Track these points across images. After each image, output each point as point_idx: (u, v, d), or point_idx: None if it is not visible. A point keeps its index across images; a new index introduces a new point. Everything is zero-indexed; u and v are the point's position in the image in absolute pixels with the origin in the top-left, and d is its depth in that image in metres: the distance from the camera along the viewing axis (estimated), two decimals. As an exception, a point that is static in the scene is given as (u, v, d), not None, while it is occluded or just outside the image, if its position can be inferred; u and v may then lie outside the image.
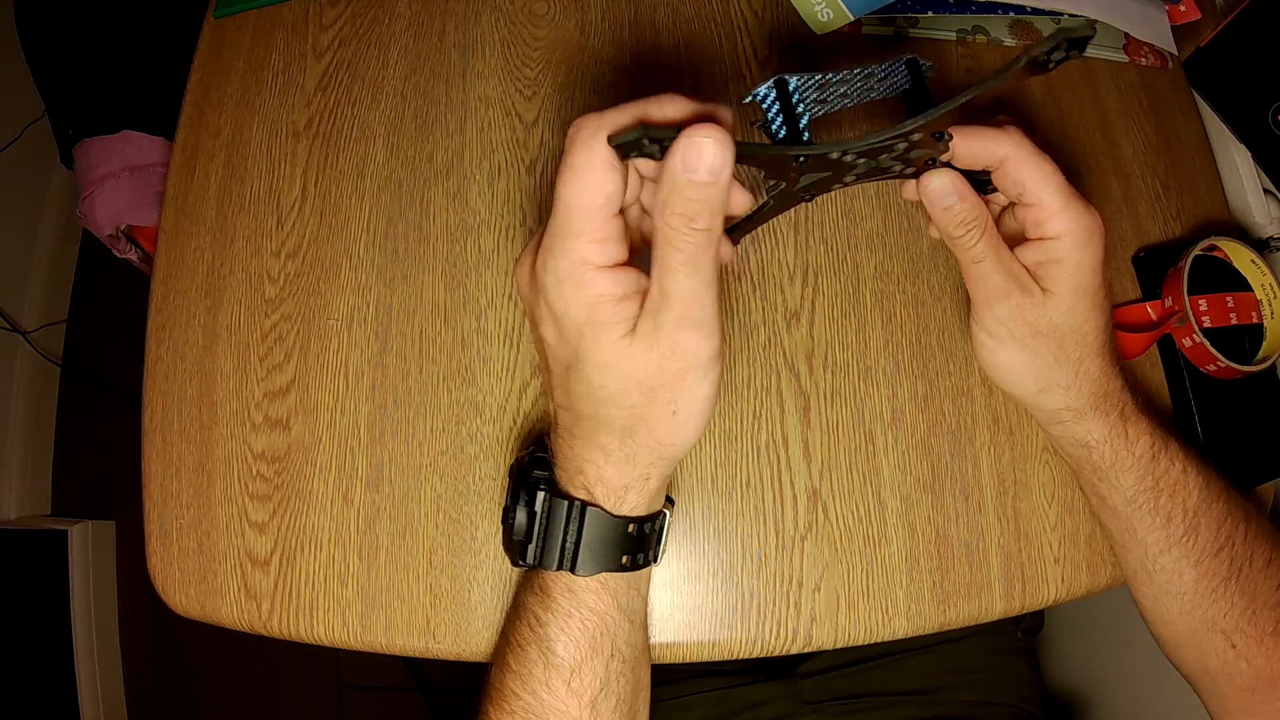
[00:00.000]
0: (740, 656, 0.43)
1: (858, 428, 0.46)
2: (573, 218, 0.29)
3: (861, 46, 0.53)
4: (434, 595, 0.43)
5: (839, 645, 0.43)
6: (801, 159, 0.31)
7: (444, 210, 0.49)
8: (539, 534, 0.35)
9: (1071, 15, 0.54)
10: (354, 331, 0.47)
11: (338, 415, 0.45)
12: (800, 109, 0.33)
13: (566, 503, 0.34)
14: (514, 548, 0.36)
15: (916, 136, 0.32)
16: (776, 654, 0.43)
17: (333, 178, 0.49)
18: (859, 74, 0.35)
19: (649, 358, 0.30)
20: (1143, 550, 0.41)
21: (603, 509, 0.34)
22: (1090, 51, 0.55)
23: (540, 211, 0.49)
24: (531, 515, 0.35)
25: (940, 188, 0.35)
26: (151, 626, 1.22)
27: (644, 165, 0.32)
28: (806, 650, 0.43)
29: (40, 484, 1.27)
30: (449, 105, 0.51)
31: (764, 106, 0.33)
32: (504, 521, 0.37)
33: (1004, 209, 0.39)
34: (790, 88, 0.33)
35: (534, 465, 0.36)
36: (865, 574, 0.44)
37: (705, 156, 0.27)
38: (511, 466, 0.38)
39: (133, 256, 0.94)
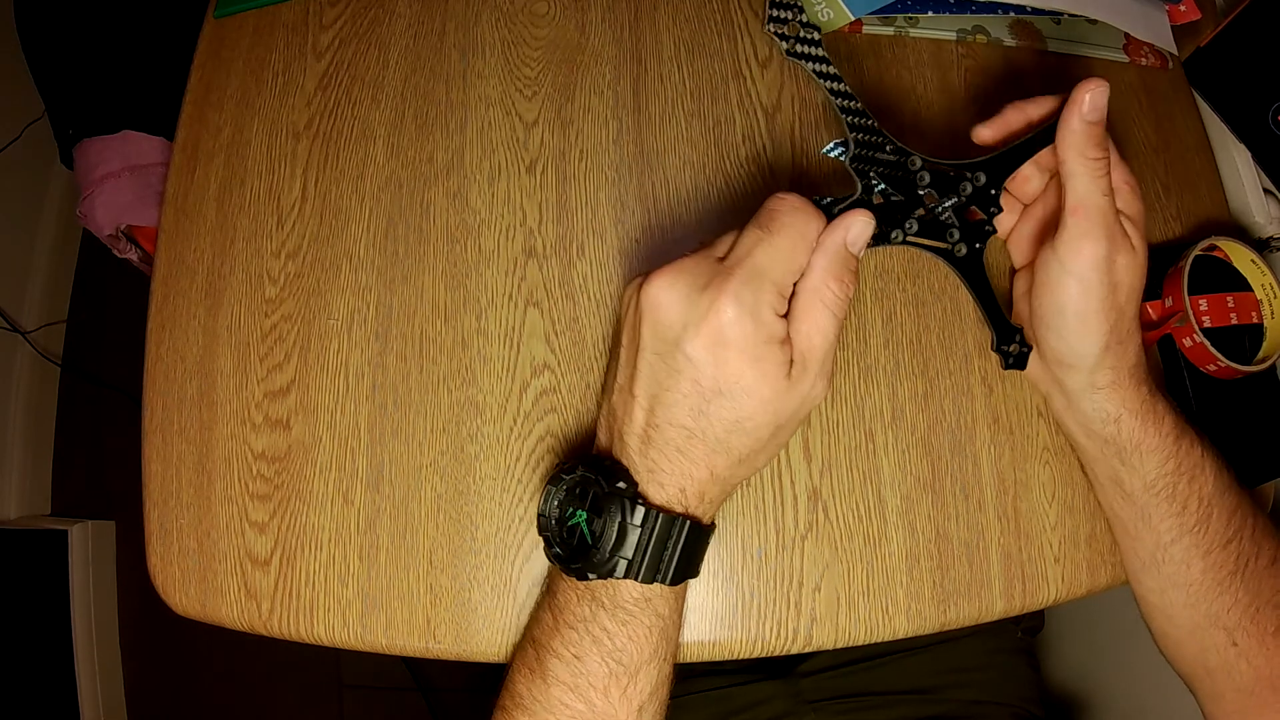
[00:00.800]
0: (740, 656, 0.43)
1: (858, 426, 0.46)
2: (781, 270, 0.33)
3: (862, 47, 0.53)
4: (434, 595, 0.43)
5: (839, 645, 0.43)
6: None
7: (444, 210, 0.49)
8: (639, 548, 0.34)
9: (1072, 15, 0.54)
10: (354, 332, 0.47)
11: (338, 415, 0.45)
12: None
13: (672, 517, 0.34)
14: (596, 563, 0.34)
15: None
16: (777, 654, 0.43)
17: (333, 178, 0.49)
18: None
19: (794, 398, 0.34)
20: (1154, 538, 0.41)
21: (697, 519, 0.35)
22: (1090, 51, 0.55)
23: (540, 211, 0.49)
24: (631, 529, 0.33)
25: (1097, 96, 0.38)
26: (151, 626, 1.22)
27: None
28: (807, 650, 0.43)
29: (40, 484, 1.27)
30: (449, 105, 0.51)
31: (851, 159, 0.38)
32: (545, 532, 0.36)
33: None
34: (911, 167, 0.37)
35: (603, 474, 0.34)
36: (865, 573, 0.44)
37: (864, 233, 0.35)
38: (569, 475, 0.36)
39: (133, 256, 0.94)
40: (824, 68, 0.37)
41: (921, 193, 0.37)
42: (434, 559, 0.43)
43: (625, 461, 0.35)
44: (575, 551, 0.34)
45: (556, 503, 0.36)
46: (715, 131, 0.50)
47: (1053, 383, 0.43)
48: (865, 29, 0.53)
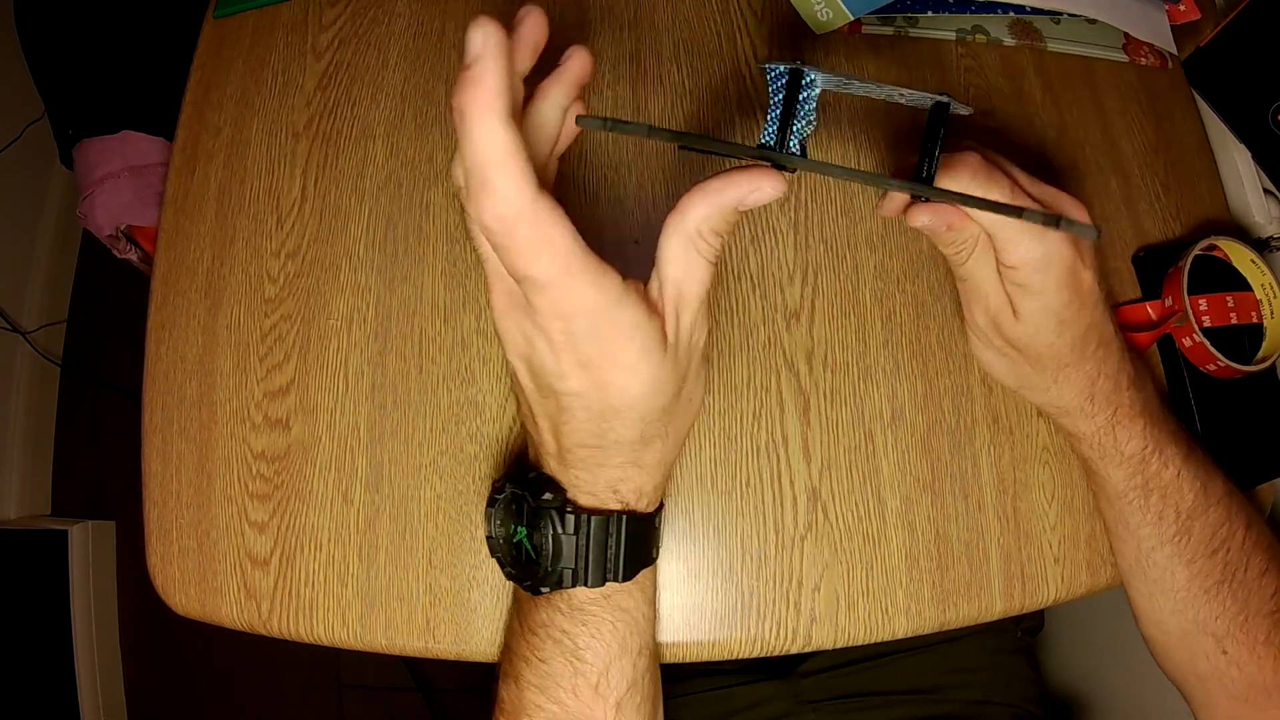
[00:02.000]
0: (740, 656, 0.43)
1: (857, 427, 0.46)
2: (562, 286, 0.27)
3: (862, 46, 0.53)
4: (434, 595, 0.43)
5: (839, 645, 0.43)
6: (781, 167, 0.30)
7: (444, 210, 0.49)
8: (579, 555, 0.33)
9: (1071, 15, 0.54)
10: (354, 331, 0.47)
11: (337, 415, 0.45)
12: (806, 110, 0.31)
13: (605, 518, 0.33)
14: (542, 576, 0.33)
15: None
16: (776, 654, 0.43)
17: (332, 178, 0.49)
18: (884, 91, 0.34)
19: (680, 362, 0.31)
20: (1136, 543, 0.41)
21: (636, 512, 0.34)
22: (1090, 51, 0.55)
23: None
24: (565, 539, 0.33)
25: (928, 225, 0.35)
26: (151, 626, 1.22)
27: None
28: (806, 650, 0.43)
29: (40, 484, 1.27)
30: (448, 105, 0.51)
31: (771, 87, 0.32)
32: (495, 553, 0.36)
33: None
34: (804, 80, 0.31)
35: (537, 490, 0.34)
36: (865, 573, 0.44)
37: (764, 201, 0.28)
38: (501, 495, 0.35)
39: (133, 256, 0.94)
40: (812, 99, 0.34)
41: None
42: (433, 559, 0.43)
43: (549, 473, 0.34)
44: (524, 568, 0.34)
45: (499, 522, 0.35)
46: (715, 132, 0.50)
47: None
48: (865, 29, 0.53)
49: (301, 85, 0.51)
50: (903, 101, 0.35)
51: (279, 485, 0.45)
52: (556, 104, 0.33)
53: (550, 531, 0.33)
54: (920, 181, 0.33)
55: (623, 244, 0.48)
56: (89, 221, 0.89)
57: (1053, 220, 0.29)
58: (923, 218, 0.35)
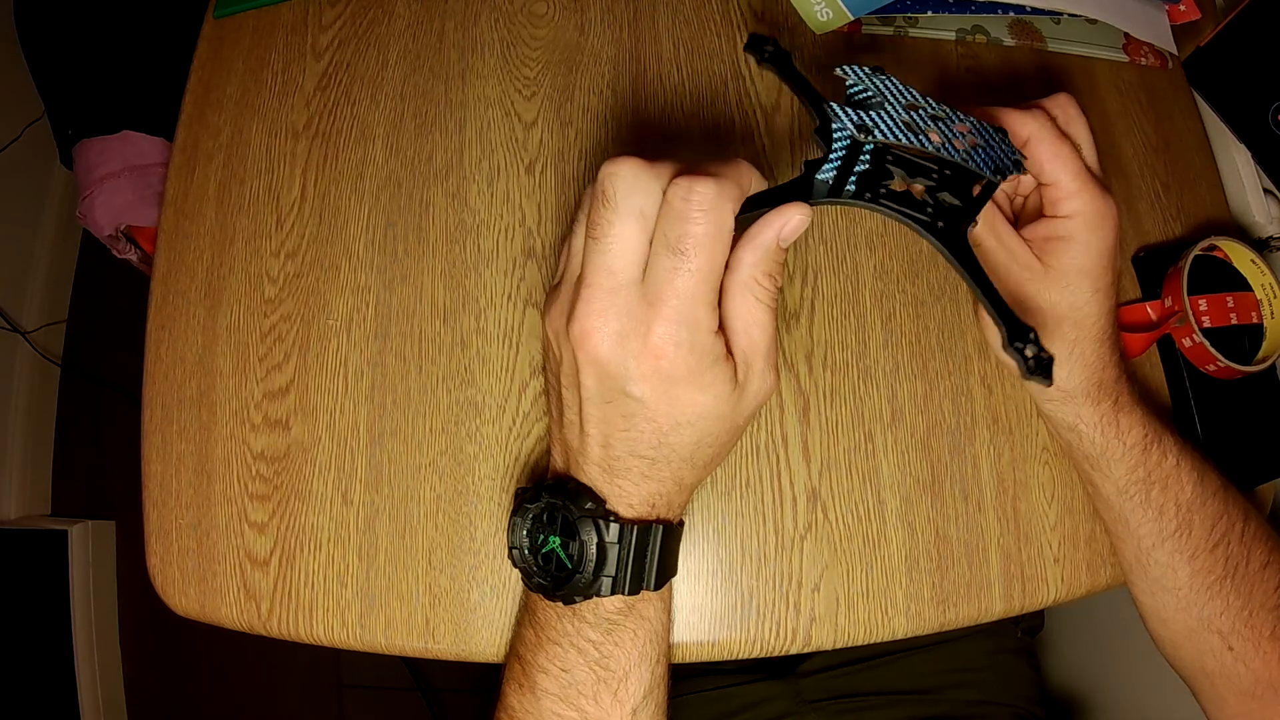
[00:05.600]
0: (740, 656, 0.43)
1: (857, 427, 0.46)
2: (710, 289, 0.30)
3: (862, 47, 0.53)
4: (433, 595, 0.43)
5: (839, 645, 0.43)
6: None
7: (443, 211, 0.49)
8: (621, 564, 0.33)
9: (1071, 15, 0.54)
10: (353, 332, 0.47)
11: (337, 415, 0.45)
12: (865, 157, 0.33)
13: (647, 527, 0.33)
14: (576, 586, 0.33)
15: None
16: (776, 654, 0.43)
17: (332, 178, 0.49)
18: (956, 157, 0.34)
19: (746, 401, 0.33)
20: (1136, 542, 0.41)
21: (670, 522, 0.35)
22: (1090, 51, 0.55)
23: (540, 212, 0.49)
24: (610, 548, 0.33)
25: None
26: (151, 626, 1.22)
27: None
28: (806, 650, 0.43)
29: (40, 484, 1.27)
30: (448, 105, 0.51)
31: (837, 111, 0.33)
32: (521, 564, 0.35)
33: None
34: (874, 135, 0.33)
35: (570, 498, 0.34)
36: (865, 574, 0.44)
37: (798, 230, 0.31)
38: (533, 505, 0.35)
39: (133, 256, 0.94)
40: (793, 79, 0.36)
41: (890, 169, 0.34)
42: (433, 559, 0.43)
43: (587, 483, 0.34)
44: (556, 578, 0.34)
45: (525, 532, 0.35)
46: (714, 132, 0.50)
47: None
48: (865, 29, 0.53)
49: (301, 85, 0.51)
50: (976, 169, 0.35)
51: (279, 485, 0.45)
52: None
53: (595, 540, 0.33)
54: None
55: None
56: (89, 221, 0.89)
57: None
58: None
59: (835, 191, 0.32)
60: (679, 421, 0.32)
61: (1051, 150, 0.37)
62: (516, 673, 0.36)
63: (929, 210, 0.33)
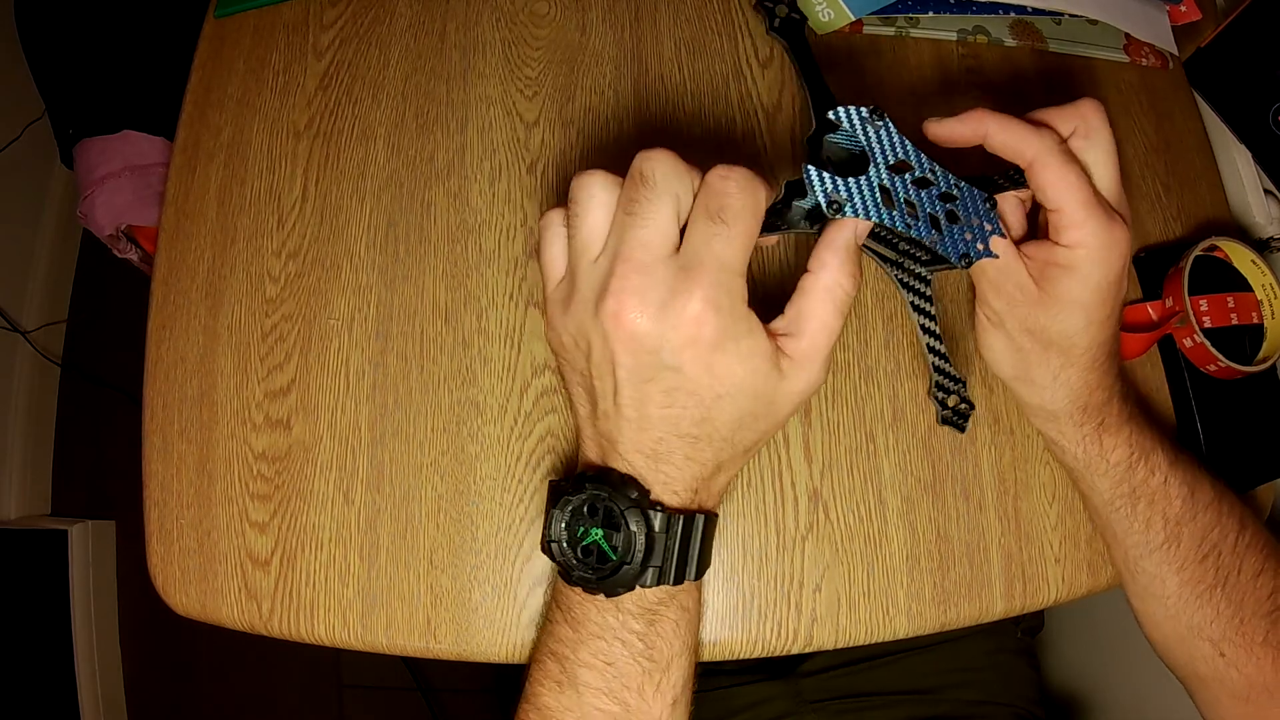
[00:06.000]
0: (741, 656, 0.43)
1: (858, 427, 0.46)
2: (745, 259, 0.31)
3: (863, 47, 0.53)
4: (435, 595, 0.43)
5: (840, 645, 0.43)
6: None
7: (445, 210, 0.49)
8: (668, 554, 0.33)
9: (1072, 15, 0.54)
10: (355, 331, 0.47)
11: (338, 415, 0.45)
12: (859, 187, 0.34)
13: (694, 517, 0.33)
14: (621, 577, 0.33)
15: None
16: (777, 654, 0.43)
17: (333, 178, 0.49)
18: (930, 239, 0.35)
19: (786, 390, 0.33)
20: (1124, 551, 0.41)
21: (711, 513, 0.35)
22: (1090, 51, 0.55)
23: (541, 212, 0.48)
24: (657, 537, 0.33)
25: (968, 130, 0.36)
26: (151, 626, 1.22)
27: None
28: (807, 650, 0.43)
29: (40, 484, 1.27)
30: (450, 105, 0.51)
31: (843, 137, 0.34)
32: (559, 557, 0.34)
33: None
34: (839, 216, 0.33)
35: (615, 488, 0.33)
36: (866, 574, 0.44)
37: (869, 226, 0.33)
38: (576, 496, 0.34)
39: (133, 256, 0.94)
40: (802, 53, 0.36)
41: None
42: (434, 559, 0.43)
43: (629, 471, 0.34)
44: (599, 570, 0.33)
45: (564, 525, 0.34)
46: (716, 132, 0.50)
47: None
48: (866, 29, 0.53)
49: (302, 85, 0.51)
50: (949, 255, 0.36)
51: (280, 485, 0.45)
52: None
53: (643, 529, 0.32)
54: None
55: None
56: (89, 221, 0.89)
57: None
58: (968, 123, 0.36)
59: (814, 219, 0.34)
60: (719, 393, 0.32)
61: (1057, 176, 0.35)
62: (553, 671, 0.35)
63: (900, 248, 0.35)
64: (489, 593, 0.43)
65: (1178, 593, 0.40)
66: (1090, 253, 0.35)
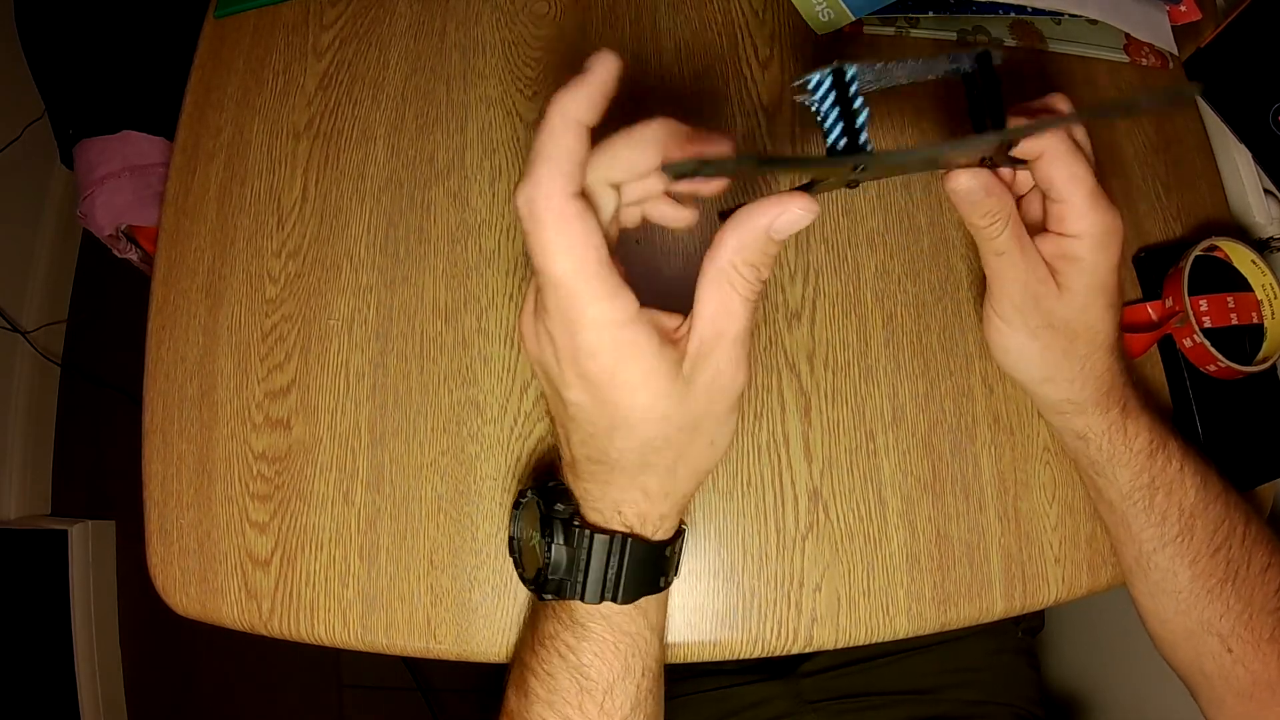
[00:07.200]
0: (741, 656, 0.43)
1: (858, 427, 0.46)
2: (573, 289, 0.27)
3: (862, 47, 0.53)
4: (435, 595, 0.43)
5: (840, 645, 0.43)
6: (861, 168, 0.29)
7: (445, 210, 0.49)
8: (578, 568, 0.33)
9: (1072, 16, 0.54)
10: (355, 331, 0.47)
11: (338, 415, 0.45)
12: (858, 104, 0.30)
13: (608, 537, 0.33)
14: (543, 583, 0.34)
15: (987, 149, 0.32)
16: (777, 654, 0.43)
17: (333, 178, 0.49)
18: (920, 63, 0.33)
19: (699, 400, 0.30)
20: (1137, 546, 0.41)
21: (643, 538, 0.34)
22: (1090, 51, 0.55)
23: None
24: (570, 552, 0.33)
25: (969, 189, 0.35)
26: (151, 626, 1.22)
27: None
28: (807, 650, 0.43)
29: (40, 484, 1.27)
30: (450, 105, 0.51)
31: (815, 96, 0.30)
32: (513, 554, 0.37)
33: (1030, 191, 0.39)
34: (848, 77, 0.29)
35: (552, 498, 0.35)
36: (866, 574, 0.44)
37: (795, 224, 0.28)
38: (524, 499, 0.36)
39: (133, 256, 0.94)
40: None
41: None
42: (434, 559, 0.43)
43: (568, 485, 0.35)
44: (537, 573, 0.35)
45: (519, 525, 0.36)
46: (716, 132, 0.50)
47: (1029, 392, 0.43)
48: (866, 29, 0.53)
49: (302, 85, 0.51)
50: (946, 69, 0.34)
51: (280, 485, 0.44)
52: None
53: (560, 542, 0.33)
54: (994, 131, 0.33)
55: (624, 244, 0.48)
56: (89, 221, 0.89)
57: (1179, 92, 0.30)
58: (962, 180, 0.34)
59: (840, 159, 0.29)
60: (615, 424, 0.30)
61: (1066, 169, 0.35)
62: (515, 674, 0.37)
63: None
64: (489, 593, 0.43)
65: (1189, 587, 0.40)
66: (1096, 239, 0.36)
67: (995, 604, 0.44)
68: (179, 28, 0.70)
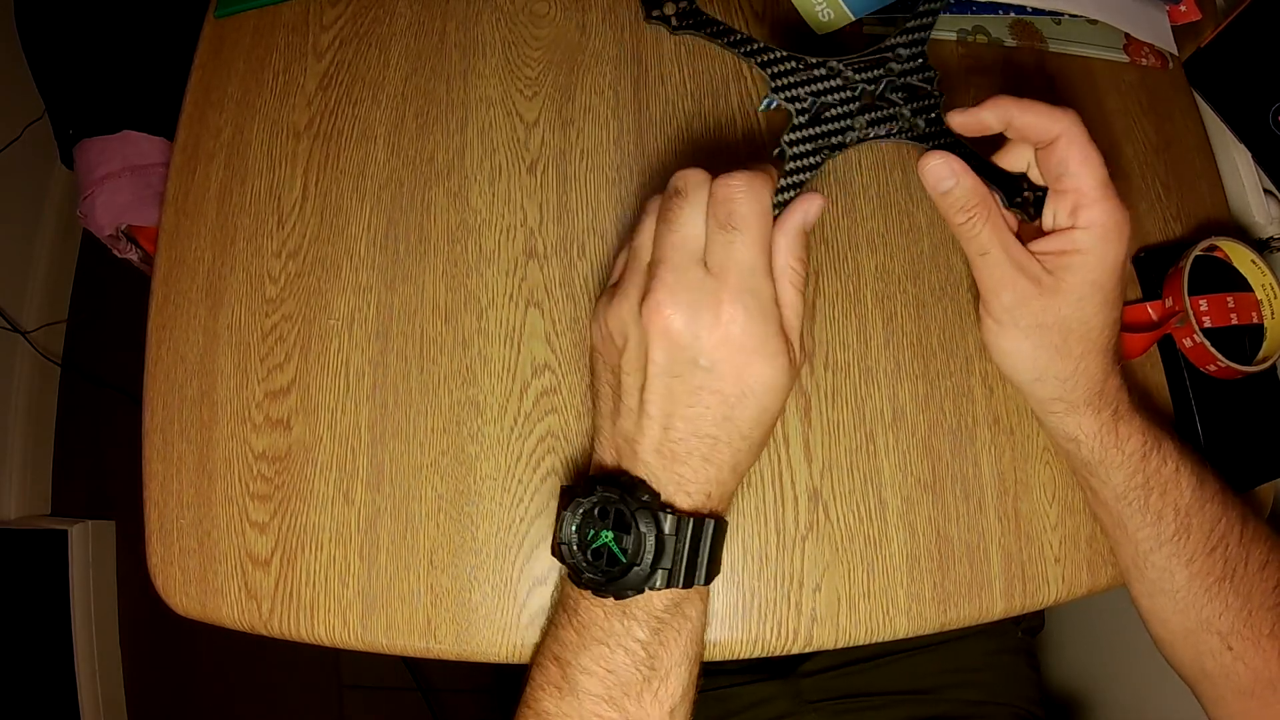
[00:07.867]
0: (741, 656, 0.43)
1: (858, 428, 0.46)
2: (765, 258, 0.34)
3: (862, 47, 0.53)
4: (435, 595, 0.43)
5: (840, 645, 0.43)
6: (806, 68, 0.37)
7: (445, 210, 0.49)
8: (678, 557, 0.33)
9: (1072, 16, 0.54)
10: (355, 331, 0.47)
11: (338, 415, 0.45)
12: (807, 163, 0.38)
13: (705, 520, 0.34)
14: (629, 581, 0.33)
15: (904, 53, 0.39)
16: (777, 654, 0.43)
17: (333, 178, 0.49)
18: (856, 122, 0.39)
19: (793, 376, 0.35)
20: (1134, 546, 0.41)
21: (721, 518, 0.35)
22: (1090, 51, 0.55)
23: (541, 212, 0.49)
24: (667, 540, 0.33)
25: (937, 169, 0.37)
26: (151, 626, 1.22)
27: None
28: (807, 650, 0.43)
29: (40, 484, 1.27)
30: (450, 105, 0.51)
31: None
32: (569, 559, 0.35)
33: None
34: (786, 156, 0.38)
35: (627, 491, 0.34)
36: (866, 574, 0.44)
37: (818, 212, 0.37)
38: (593, 503, 0.34)
39: (133, 256, 0.94)
40: (713, 29, 0.38)
41: (857, 89, 0.39)
42: (434, 559, 0.43)
43: (642, 475, 0.35)
44: (608, 573, 0.34)
45: (574, 528, 0.35)
46: (716, 132, 0.50)
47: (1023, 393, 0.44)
48: (865, 29, 0.53)
49: (302, 85, 0.51)
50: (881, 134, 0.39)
51: (280, 485, 0.45)
52: None
53: (653, 531, 0.33)
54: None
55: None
56: (89, 221, 0.89)
57: None
58: (932, 160, 0.37)
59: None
60: (744, 392, 0.34)
61: (1082, 155, 0.36)
62: (554, 676, 0.35)
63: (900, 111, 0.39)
64: (489, 593, 0.43)
65: (1187, 586, 0.40)
66: (1105, 231, 0.36)
67: (995, 604, 0.44)
68: (179, 28, 0.70)
